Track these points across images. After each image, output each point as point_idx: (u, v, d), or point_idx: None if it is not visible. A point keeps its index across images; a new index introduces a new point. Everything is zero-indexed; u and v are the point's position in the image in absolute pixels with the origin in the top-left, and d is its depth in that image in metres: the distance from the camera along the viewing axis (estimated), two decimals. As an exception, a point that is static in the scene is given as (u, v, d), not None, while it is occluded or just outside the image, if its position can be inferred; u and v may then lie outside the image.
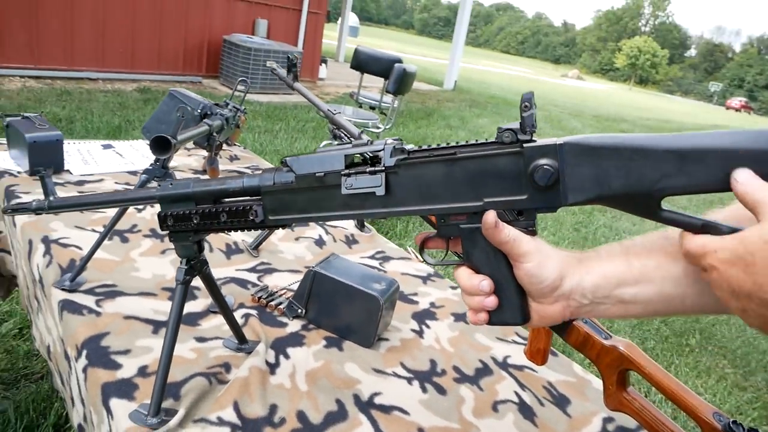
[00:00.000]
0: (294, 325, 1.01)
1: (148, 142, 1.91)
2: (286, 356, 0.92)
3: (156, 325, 0.93)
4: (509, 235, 0.55)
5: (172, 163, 1.08)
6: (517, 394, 0.95)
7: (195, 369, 0.84)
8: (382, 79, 4.06)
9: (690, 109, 34.68)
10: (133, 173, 1.59)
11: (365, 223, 1.52)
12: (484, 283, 0.58)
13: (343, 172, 0.62)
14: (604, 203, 0.52)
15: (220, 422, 0.74)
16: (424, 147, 0.59)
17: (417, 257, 1.45)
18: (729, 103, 52.78)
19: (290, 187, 0.65)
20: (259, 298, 1.05)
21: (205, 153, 1.82)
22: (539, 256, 0.55)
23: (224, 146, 1.87)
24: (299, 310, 1.02)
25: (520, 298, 0.58)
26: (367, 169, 0.61)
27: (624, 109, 20.28)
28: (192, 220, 0.72)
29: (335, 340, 0.99)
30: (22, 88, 5.53)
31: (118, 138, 3.84)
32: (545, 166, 0.52)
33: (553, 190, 0.53)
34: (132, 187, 1.47)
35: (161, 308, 0.98)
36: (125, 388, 0.78)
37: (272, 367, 0.88)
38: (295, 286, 1.08)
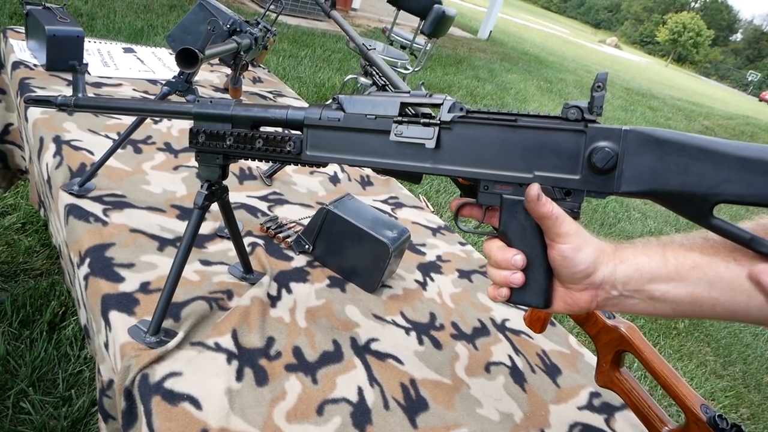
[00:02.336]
0: (299, 260, 1.00)
1: (171, 51, 1.86)
2: (289, 290, 0.91)
3: (162, 242, 0.92)
4: (552, 211, 0.52)
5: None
6: (510, 357, 0.95)
7: (197, 292, 0.83)
8: (418, 19, 3.91)
9: (723, 95, 33.71)
10: (153, 82, 1.54)
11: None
12: (518, 257, 0.56)
13: (395, 119, 0.59)
14: (655, 199, 0.51)
15: (218, 348, 0.74)
16: (484, 109, 0.57)
17: (428, 207, 1.43)
18: (763, 96, 50.82)
19: (336, 125, 0.63)
20: (268, 228, 1.04)
21: (228, 71, 1.77)
22: (577, 240, 0.53)
23: (249, 67, 1.82)
24: (306, 246, 1.00)
25: (547, 281, 0.56)
26: (421, 120, 0.58)
27: (656, 85, 19.69)
28: (225, 140, 0.69)
29: (338, 281, 0.98)
30: (47, -24, 5.36)
31: (139, 42, 3.75)
32: (606, 149, 0.51)
33: (608, 175, 0.51)
34: (151, 97, 1.43)
35: (168, 225, 0.97)
36: (126, 303, 0.77)
37: (273, 300, 0.88)
38: (305, 221, 1.07)
